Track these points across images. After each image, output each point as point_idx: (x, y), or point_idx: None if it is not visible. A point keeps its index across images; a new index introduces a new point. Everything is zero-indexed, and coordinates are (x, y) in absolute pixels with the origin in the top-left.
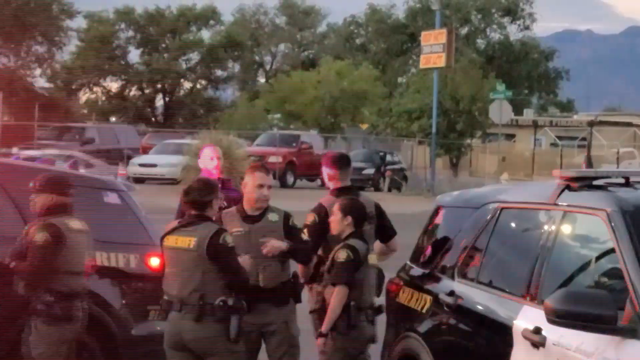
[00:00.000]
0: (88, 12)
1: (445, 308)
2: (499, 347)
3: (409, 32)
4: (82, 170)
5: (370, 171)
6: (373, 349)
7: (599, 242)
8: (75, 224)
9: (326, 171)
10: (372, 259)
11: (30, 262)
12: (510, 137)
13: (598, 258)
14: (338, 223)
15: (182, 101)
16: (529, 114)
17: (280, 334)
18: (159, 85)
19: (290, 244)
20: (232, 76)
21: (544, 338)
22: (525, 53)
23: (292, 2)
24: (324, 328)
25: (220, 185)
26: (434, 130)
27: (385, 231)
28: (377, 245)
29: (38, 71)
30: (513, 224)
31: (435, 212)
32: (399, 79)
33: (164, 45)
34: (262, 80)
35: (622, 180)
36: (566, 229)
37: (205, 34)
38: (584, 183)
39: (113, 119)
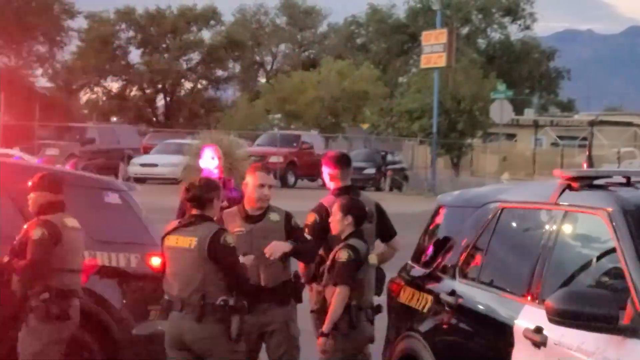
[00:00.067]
0: (89, 12)
1: (446, 308)
2: (500, 347)
3: (410, 32)
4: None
5: (371, 171)
6: (373, 348)
7: (600, 242)
8: (70, 221)
9: (327, 171)
10: (372, 258)
11: (28, 258)
12: (511, 136)
13: (599, 258)
14: (338, 223)
15: (182, 101)
16: (529, 114)
17: (281, 334)
18: (159, 86)
19: (294, 245)
20: (232, 76)
21: (545, 338)
22: (526, 53)
23: (293, 2)
24: (326, 328)
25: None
26: (434, 130)
27: (386, 231)
28: (379, 245)
29: (39, 71)
30: (514, 224)
31: (436, 211)
32: (400, 79)
33: (164, 45)
34: (262, 80)
35: (623, 180)
36: (567, 228)
37: (206, 34)
38: (585, 183)
39: (114, 119)
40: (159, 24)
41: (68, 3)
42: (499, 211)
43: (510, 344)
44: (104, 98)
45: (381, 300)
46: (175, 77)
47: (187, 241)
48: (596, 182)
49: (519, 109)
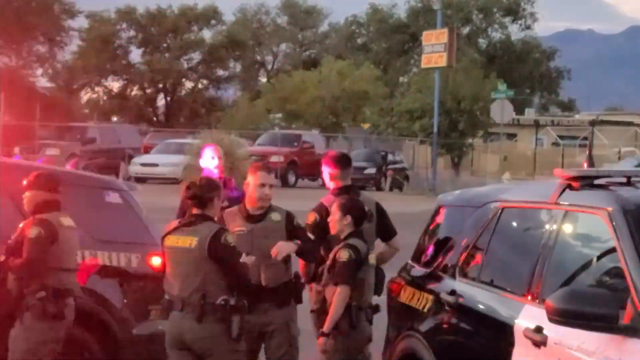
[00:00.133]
0: (89, 12)
1: (446, 307)
2: (500, 346)
3: (411, 31)
4: None
5: (371, 171)
6: (373, 348)
7: (600, 241)
8: (66, 220)
9: (327, 171)
10: (371, 258)
11: (24, 257)
12: (512, 136)
13: (599, 257)
14: (337, 222)
15: (183, 101)
16: (530, 114)
17: (280, 334)
18: (160, 85)
19: (299, 245)
20: (233, 76)
21: (545, 337)
22: (526, 53)
23: (294, 1)
24: (326, 328)
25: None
26: (435, 129)
27: (386, 230)
28: (379, 245)
29: (40, 71)
30: (514, 223)
31: (437, 211)
32: (401, 79)
33: (165, 44)
34: (263, 79)
35: (624, 180)
36: (567, 228)
37: (207, 34)
38: (586, 182)
39: (114, 118)
40: (160, 24)
41: (68, 3)
42: (500, 211)
43: (511, 344)
44: (105, 98)
45: (381, 300)
46: (176, 77)
47: (187, 241)
48: (596, 181)
49: (519, 109)
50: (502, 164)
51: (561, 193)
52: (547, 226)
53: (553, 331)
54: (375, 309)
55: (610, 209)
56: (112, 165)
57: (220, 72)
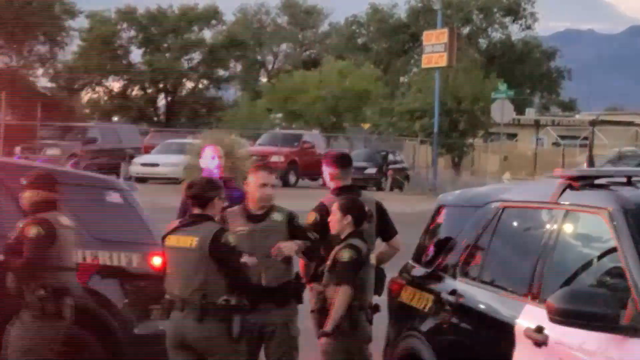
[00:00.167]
0: (90, 12)
1: (447, 307)
2: (501, 346)
3: (411, 31)
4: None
5: (372, 171)
6: (373, 348)
7: (601, 241)
8: (64, 219)
9: (327, 170)
10: (372, 258)
11: (24, 256)
12: (512, 136)
13: (600, 257)
14: (337, 222)
15: (184, 101)
16: (531, 114)
17: (280, 334)
18: (161, 85)
19: (299, 244)
20: (234, 76)
21: (546, 337)
22: (527, 52)
23: (294, 1)
24: (328, 328)
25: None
26: (436, 129)
27: (387, 230)
28: (380, 244)
29: (40, 71)
30: (515, 223)
31: (437, 211)
32: (401, 79)
33: (166, 44)
34: (264, 79)
35: (624, 180)
36: (568, 228)
37: (207, 34)
38: (586, 182)
39: (115, 118)
40: (161, 24)
41: (69, 3)
42: (500, 210)
43: (511, 344)
44: (106, 98)
45: (381, 300)
46: (176, 77)
47: (188, 241)
48: (597, 181)
49: (520, 109)
50: (503, 164)
51: (562, 193)
52: (547, 226)
53: (554, 331)
54: (375, 308)
55: (610, 208)
56: (112, 165)
57: (221, 72)
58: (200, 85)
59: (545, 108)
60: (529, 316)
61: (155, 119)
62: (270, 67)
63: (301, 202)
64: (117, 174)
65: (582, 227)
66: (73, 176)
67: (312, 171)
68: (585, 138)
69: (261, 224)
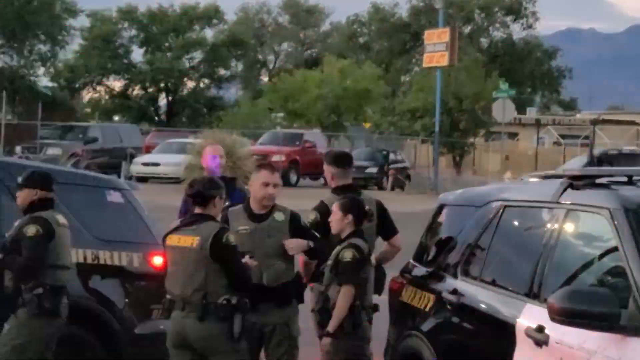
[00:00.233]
0: (91, 11)
1: (448, 306)
2: (502, 345)
3: (412, 30)
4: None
5: (373, 170)
6: (374, 348)
7: (602, 240)
8: (61, 218)
9: (328, 170)
10: (372, 258)
11: (24, 255)
12: (513, 135)
13: (601, 256)
14: (338, 222)
15: (185, 100)
16: (532, 113)
17: (281, 334)
18: (162, 84)
19: (311, 243)
20: (235, 75)
21: (547, 336)
22: (528, 52)
23: (295, 0)
24: (331, 327)
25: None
26: (437, 128)
27: (388, 229)
28: (382, 244)
29: (41, 70)
30: (516, 222)
31: (438, 210)
32: (402, 78)
33: (167, 44)
34: (265, 79)
35: (625, 179)
36: (569, 227)
37: (209, 33)
38: (587, 181)
39: (116, 118)
40: (162, 23)
41: (70, 2)
42: (501, 210)
43: (512, 343)
44: (107, 97)
45: (382, 299)
46: (177, 76)
47: (189, 240)
48: (598, 180)
49: (521, 108)
50: (504, 163)
51: (563, 192)
52: (548, 225)
53: (554, 330)
54: (374, 308)
55: (611, 207)
56: (113, 165)
57: (222, 72)
58: (201, 85)
59: (546, 107)
60: (529, 315)
61: (156, 118)
62: (271, 66)
63: (302, 202)
64: (118, 174)
65: (583, 227)
66: (74, 176)
67: (313, 170)
68: (587, 137)
69: (263, 224)
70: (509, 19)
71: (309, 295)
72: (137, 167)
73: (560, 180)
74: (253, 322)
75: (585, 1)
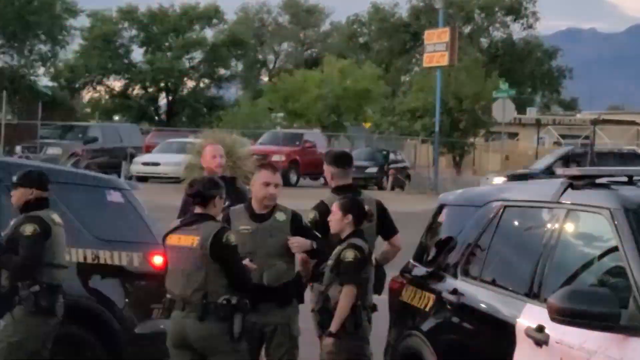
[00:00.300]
0: (91, 11)
1: (448, 306)
2: (502, 345)
3: (412, 30)
4: None
5: (373, 170)
6: (374, 348)
7: (602, 240)
8: (56, 217)
9: (328, 169)
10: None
11: (21, 254)
12: (514, 135)
13: (601, 256)
14: (338, 222)
15: (185, 100)
16: (532, 113)
17: (281, 334)
18: (162, 84)
19: (314, 243)
20: (235, 75)
21: (547, 336)
22: (528, 52)
23: (295, 0)
24: (333, 328)
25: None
26: (437, 128)
27: (388, 229)
28: (382, 244)
29: (41, 70)
30: (516, 222)
31: (438, 210)
32: (402, 78)
33: (167, 43)
34: (265, 78)
35: (625, 179)
36: (569, 227)
37: (209, 33)
38: (587, 181)
39: (116, 117)
40: (162, 23)
41: (70, 2)
42: (501, 210)
43: (512, 343)
44: (107, 97)
45: (382, 299)
46: (177, 76)
47: (189, 240)
48: (598, 180)
49: (521, 108)
50: (504, 163)
51: (563, 192)
52: (548, 225)
53: (554, 330)
54: (373, 308)
55: (612, 207)
56: (113, 164)
57: (222, 71)
58: (201, 84)
59: (546, 107)
60: (529, 315)
61: (156, 118)
62: (271, 66)
63: (302, 202)
64: (118, 173)
65: (583, 226)
66: (74, 175)
67: (313, 170)
68: (587, 137)
69: (265, 224)
70: (509, 19)
71: (309, 295)
72: (137, 166)
73: (561, 180)
74: (253, 322)
75: (585, 1)
